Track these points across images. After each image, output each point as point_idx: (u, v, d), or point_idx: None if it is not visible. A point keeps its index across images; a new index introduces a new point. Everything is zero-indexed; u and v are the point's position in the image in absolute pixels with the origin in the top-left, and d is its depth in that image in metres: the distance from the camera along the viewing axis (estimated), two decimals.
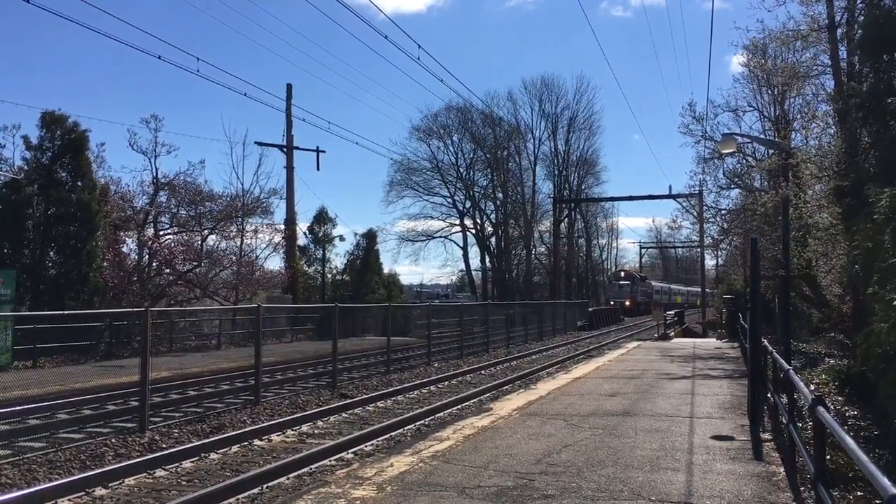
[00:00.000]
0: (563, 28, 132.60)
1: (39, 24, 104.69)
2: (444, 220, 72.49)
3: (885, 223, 8.42)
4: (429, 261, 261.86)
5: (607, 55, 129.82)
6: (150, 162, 31.86)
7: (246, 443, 11.09)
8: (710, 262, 63.76)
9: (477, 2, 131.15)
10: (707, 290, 58.68)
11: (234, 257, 34.68)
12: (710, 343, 30.72)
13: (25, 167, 25.53)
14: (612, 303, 69.95)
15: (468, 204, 72.35)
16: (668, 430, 9.85)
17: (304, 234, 41.18)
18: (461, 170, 72.10)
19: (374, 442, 11.35)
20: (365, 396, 15.85)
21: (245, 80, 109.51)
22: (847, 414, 12.30)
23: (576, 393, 13.80)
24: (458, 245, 73.50)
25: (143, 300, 26.48)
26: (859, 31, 16.05)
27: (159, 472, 9.29)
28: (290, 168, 39.00)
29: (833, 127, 19.29)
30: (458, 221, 72.43)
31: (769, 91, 27.56)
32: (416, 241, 71.68)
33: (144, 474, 9.14)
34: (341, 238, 42.25)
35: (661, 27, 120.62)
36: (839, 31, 18.77)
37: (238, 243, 35.60)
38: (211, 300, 32.32)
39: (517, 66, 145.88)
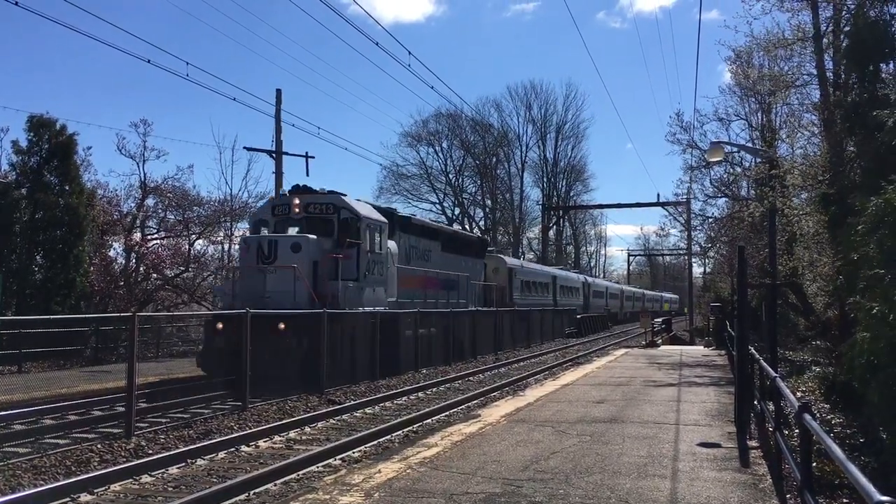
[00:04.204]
0: (559, 39, 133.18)
1: (26, 26, 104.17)
2: None
3: (872, 232, 8.50)
4: None
5: (604, 66, 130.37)
6: (139, 166, 31.88)
7: (233, 449, 11.04)
8: (697, 269, 64.15)
9: (474, 13, 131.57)
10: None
11: (221, 262, 34.59)
12: (698, 350, 30.84)
13: (13, 171, 25.42)
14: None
15: (457, 210, 72.45)
16: (655, 437, 9.88)
17: None
18: (450, 176, 72.24)
19: (361, 448, 11.32)
20: (353, 402, 15.81)
21: (235, 84, 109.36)
22: (833, 421, 12.35)
23: (564, 400, 13.82)
24: None
25: (129, 305, 26.36)
26: (845, 40, 16.21)
27: (145, 478, 9.24)
28: (279, 173, 38.81)
29: (818, 136, 19.46)
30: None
31: (755, 100, 27.83)
32: None
33: (130, 480, 9.09)
34: None
35: (654, 39, 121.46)
36: (825, 40, 18.94)
37: (226, 248, 35.53)
38: (198, 305, 32.19)
39: (513, 76, 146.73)
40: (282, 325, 16.82)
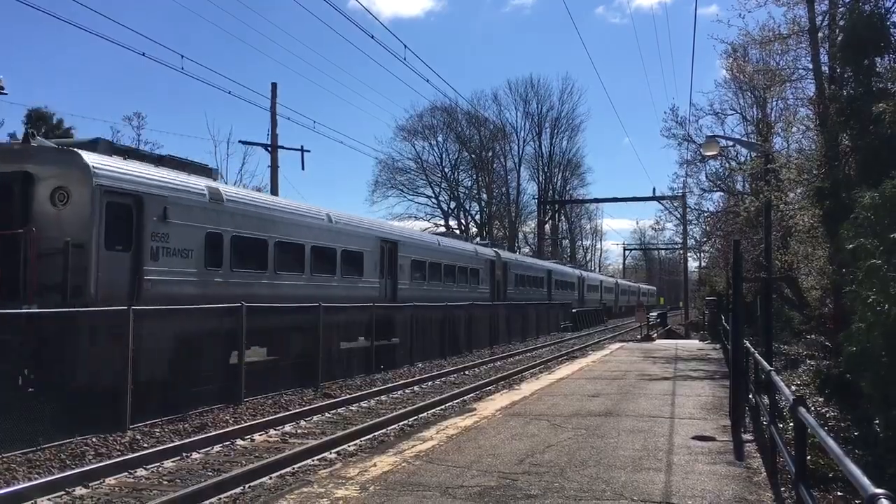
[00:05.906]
0: (558, 34, 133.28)
1: (20, 18, 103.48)
2: (428, 221, 72.26)
3: (867, 224, 8.51)
4: None
5: (602, 61, 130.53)
6: None
7: (228, 442, 11.03)
8: (692, 263, 64.13)
9: (473, 8, 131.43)
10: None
11: None
12: (693, 344, 30.90)
13: None
14: None
15: (453, 204, 72.42)
16: (650, 430, 9.90)
17: None
18: (446, 170, 72.15)
19: (357, 442, 11.33)
20: (348, 396, 15.81)
21: (230, 78, 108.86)
22: (827, 415, 12.40)
23: (559, 393, 13.83)
24: None
25: None
26: (840, 34, 16.21)
27: (140, 472, 9.23)
28: (274, 167, 38.72)
29: (814, 130, 19.47)
30: (442, 222, 72.36)
31: (750, 94, 27.87)
32: None
33: (125, 474, 9.08)
34: None
35: (652, 34, 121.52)
36: (820, 34, 18.94)
37: None
38: None
39: (511, 71, 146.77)
40: None
